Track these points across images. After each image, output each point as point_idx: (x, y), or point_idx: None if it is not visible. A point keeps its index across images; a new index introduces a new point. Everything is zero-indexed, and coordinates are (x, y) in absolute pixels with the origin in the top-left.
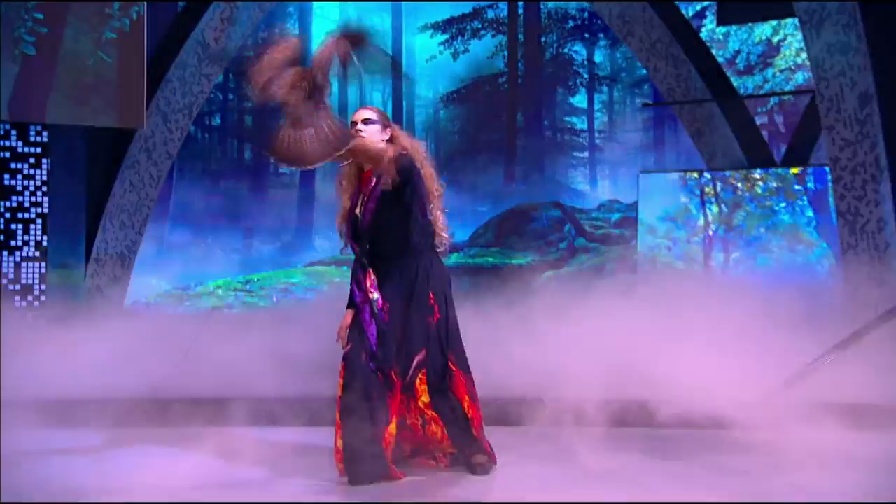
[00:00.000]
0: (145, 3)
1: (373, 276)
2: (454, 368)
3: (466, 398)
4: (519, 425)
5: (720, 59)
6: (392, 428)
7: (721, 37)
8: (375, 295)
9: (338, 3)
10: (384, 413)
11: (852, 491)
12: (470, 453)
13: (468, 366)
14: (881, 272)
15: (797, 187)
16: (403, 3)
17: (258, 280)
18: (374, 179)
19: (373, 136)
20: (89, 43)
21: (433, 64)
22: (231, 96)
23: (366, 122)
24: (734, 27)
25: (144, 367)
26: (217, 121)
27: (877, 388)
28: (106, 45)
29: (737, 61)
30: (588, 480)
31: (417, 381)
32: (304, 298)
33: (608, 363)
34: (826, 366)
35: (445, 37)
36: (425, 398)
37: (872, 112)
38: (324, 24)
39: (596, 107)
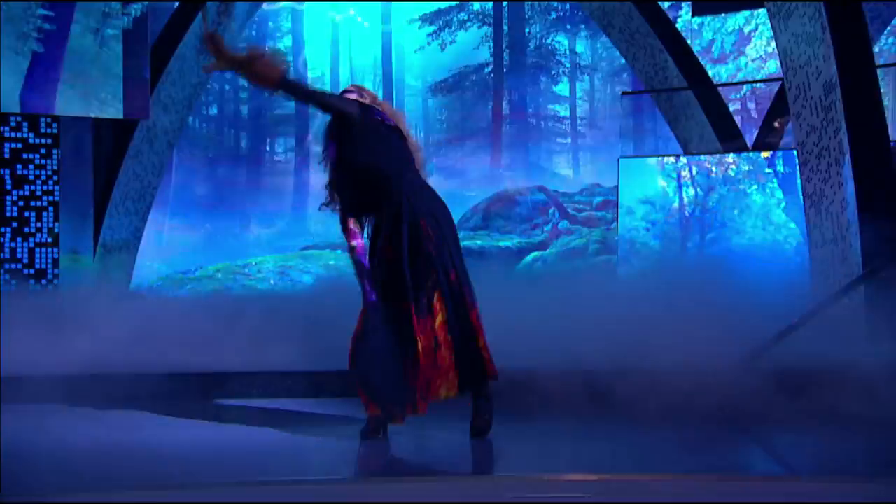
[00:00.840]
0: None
1: (354, 222)
2: (461, 287)
3: (474, 314)
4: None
5: (696, 49)
6: (416, 358)
7: (696, 27)
8: (354, 242)
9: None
10: (402, 344)
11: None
12: (476, 393)
13: (470, 283)
14: (843, 250)
15: (767, 170)
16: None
17: (256, 263)
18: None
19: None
20: (95, 38)
21: (421, 54)
22: (227, 87)
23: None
24: (708, 18)
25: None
26: (214, 111)
27: (837, 356)
28: (109, 40)
29: (711, 50)
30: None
31: (435, 301)
32: (300, 280)
33: (589, 335)
34: (792, 336)
35: (433, 28)
36: (441, 317)
37: (836, 99)
38: (316, 21)
39: (578, 95)
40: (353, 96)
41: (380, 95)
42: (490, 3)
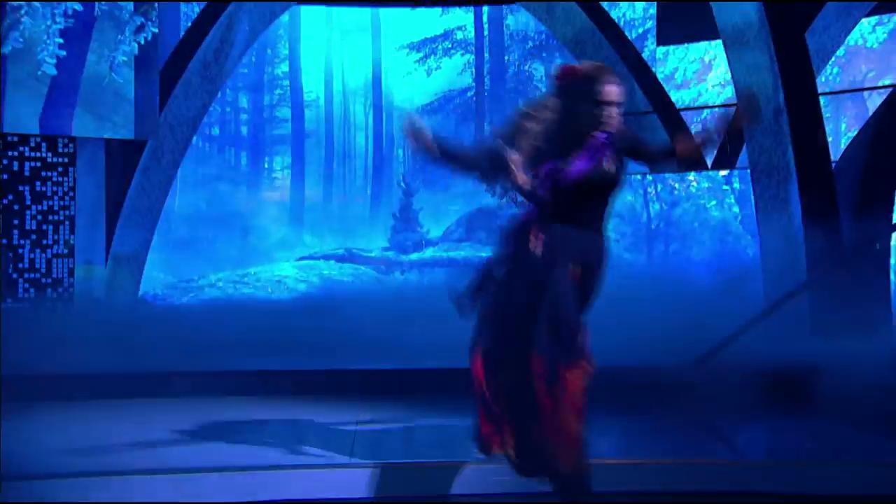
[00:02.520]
0: (155, 30)
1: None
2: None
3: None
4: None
5: (661, 75)
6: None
7: (661, 56)
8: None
9: (324, 24)
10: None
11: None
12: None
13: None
14: (791, 259)
15: (725, 187)
16: (382, 24)
17: (254, 273)
18: (598, 141)
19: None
20: (108, 65)
21: (409, 79)
22: (228, 109)
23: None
24: (672, 47)
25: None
26: (216, 131)
27: (785, 352)
28: (121, 66)
29: (675, 77)
30: None
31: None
32: (296, 289)
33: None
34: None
35: (420, 55)
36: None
37: (784, 124)
38: (312, 48)
39: None
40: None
41: (370, 118)
42: (472, 33)
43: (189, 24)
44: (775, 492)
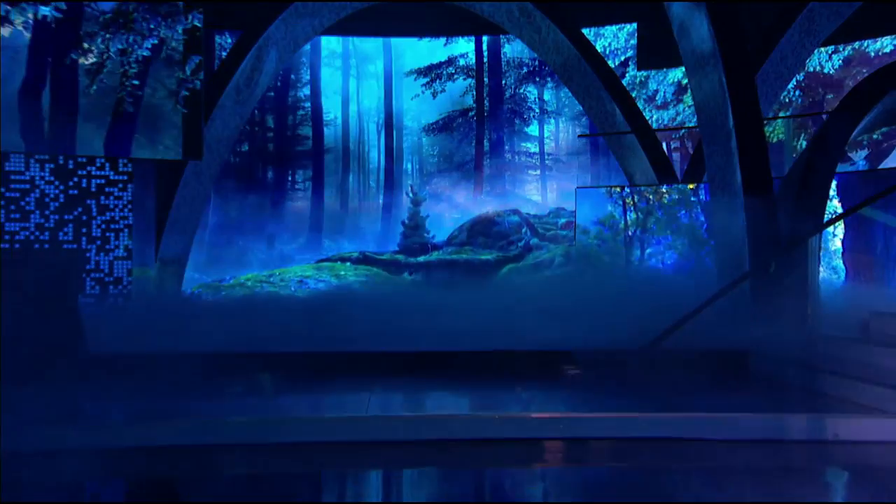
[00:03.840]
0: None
1: None
2: None
3: None
4: (491, 371)
5: (643, 97)
6: None
7: (643, 79)
8: None
9: (341, 53)
10: None
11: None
12: None
13: None
14: (738, 258)
15: (693, 199)
16: (393, 52)
17: (279, 273)
18: None
19: None
20: (165, 97)
21: (417, 101)
22: (257, 129)
23: None
24: (653, 72)
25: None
26: (246, 147)
27: (720, 334)
28: (171, 98)
29: (656, 98)
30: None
31: None
32: (316, 287)
33: (549, 325)
34: (691, 321)
35: (426, 79)
36: None
37: (733, 146)
38: (330, 73)
39: (545, 135)
40: None
41: (382, 136)
42: (473, 60)
43: (223, 54)
44: (706, 438)
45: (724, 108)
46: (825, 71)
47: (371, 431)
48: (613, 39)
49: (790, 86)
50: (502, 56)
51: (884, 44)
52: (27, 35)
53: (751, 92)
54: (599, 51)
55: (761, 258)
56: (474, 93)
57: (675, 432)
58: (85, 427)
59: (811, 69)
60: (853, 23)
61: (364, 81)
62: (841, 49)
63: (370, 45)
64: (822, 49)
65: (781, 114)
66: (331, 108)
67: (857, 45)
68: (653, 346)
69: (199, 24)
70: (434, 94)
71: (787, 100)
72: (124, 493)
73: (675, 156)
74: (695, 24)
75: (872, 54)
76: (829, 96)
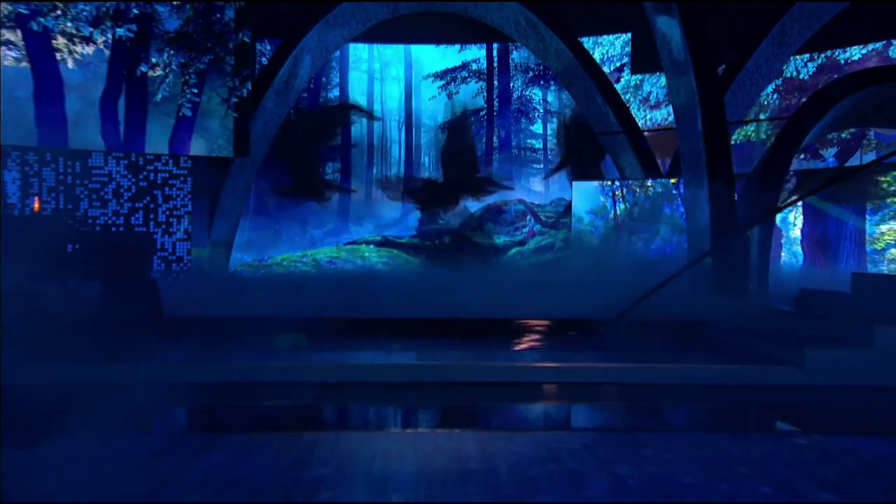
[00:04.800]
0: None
1: None
2: None
3: None
4: (500, 333)
5: (638, 98)
6: None
7: (638, 82)
8: None
9: (367, 58)
10: None
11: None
12: None
13: None
14: (705, 242)
15: (675, 192)
16: (413, 57)
17: (310, 254)
18: None
19: None
20: (218, 103)
21: (434, 101)
22: (292, 126)
23: None
24: (647, 75)
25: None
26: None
27: (688, 304)
28: (225, 102)
29: (650, 99)
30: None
31: None
32: (343, 267)
33: (549, 299)
34: (655, 295)
35: (442, 82)
36: None
37: (702, 147)
38: (357, 76)
39: (548, 133)
40: None
41: (402, 132)
42: (484, 65)
43: (263, 59)
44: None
45: (694, 112)
46: (801, 76)
47: (387, 374)
48: (610, 47)
49: (769, 89)
50: (510, 61)
51: (852, 52)
52: (107, 52)
53: (718, 99)
54: (598, 57)
55: (720, 241)
56: (485, 94)
57: (628, 378)
58: (160, 367)
59: (788, 75)
60: (824, 34)
61: (387, 84)
62: (815, 57)
63: (392, 52)
64: (798, 57)
65: (761, 115)
66: None
67: (829, 53)
68: (621, 317)
69: (247, 40)
70: (449, 96)
71: (766, 102)
72: (188, 416)
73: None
74: (673, 36)
75: (843, 62)
76: (804, 100)
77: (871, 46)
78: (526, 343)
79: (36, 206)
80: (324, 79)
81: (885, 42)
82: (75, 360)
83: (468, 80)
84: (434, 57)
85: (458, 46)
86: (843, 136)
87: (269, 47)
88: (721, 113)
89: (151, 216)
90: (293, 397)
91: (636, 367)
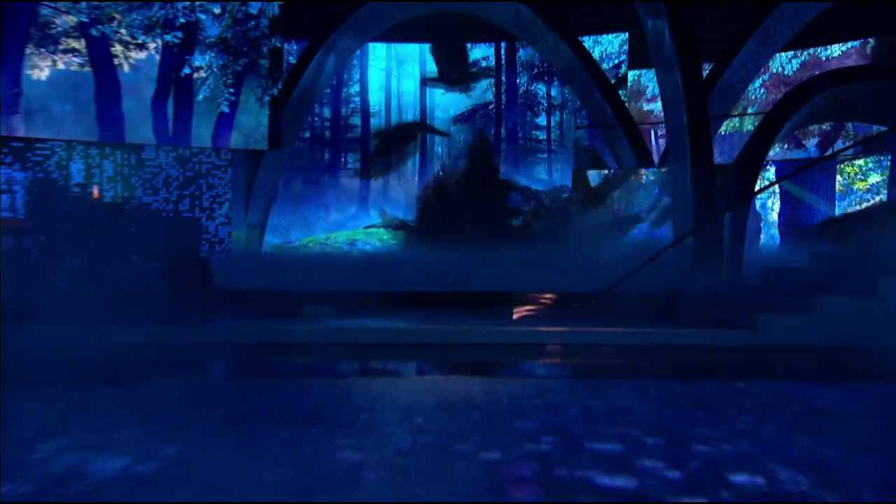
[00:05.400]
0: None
1: None
2: None
3: None
4: (503, 304)
5: (635, 91)
6: None
7: (637, 77)
8: None
9: (384, 56)
10: None
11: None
12: None
13: None
14: (687, 222)
15: (665, 179)
16: (426, 56)
17: (334, 237)
18: None
19: None
20: (254, 102)
21: (447, 96)
22: (317, 119)
23: None
24: (644, 70)
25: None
26: (307, 135)
27: (672, 280)
28: (260, 101)
29: (647, 93)
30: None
31: None
32: (364, 248)
33: (549, 277)
34: (641, 271)
35: None
36: None
37: (686, 138)
38: (376, 73)
39: (552, 125)
40: None
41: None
42: (493, 62)
43: (290, 59)
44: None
45: (680, 107)
46: (786, 73)
47: (405, 337)
48: (609, 45)
49: (756, 84)
50: (517, 59)
51: (832, 50)
52: (157, 58)
53: (701, 96)
54: (597, 55)
55: (700, 223)
56: (494, 89)
57: (609, 340)
58: (215, 330)
59: (775, 70)
60: (806, 34)
61: (403, 80)
62: (799, 54)
63: (408, 50)
64: (783, 54)
65: (749, 109)
66: (376, 102)
67: (811, 50)
68: (609, 290)
69: (279, 45)
70: (460, 91)
71: (753, 97)
72: (244, 367)
73: (662, 142)
74: (665, 37)
75: (824, 58)
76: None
77: (850, 44)
78: (526, 312)
79: (95, 194)
80: (346, 76)
81: (862, 40)
82: (145, 324)
83: (478, 76)
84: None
85: (468, 45)
86: (824, 127)
87: (295, 47)
88: (704, 108)
89: (196, 203)
90: (327, 355)
91: (616, 331)
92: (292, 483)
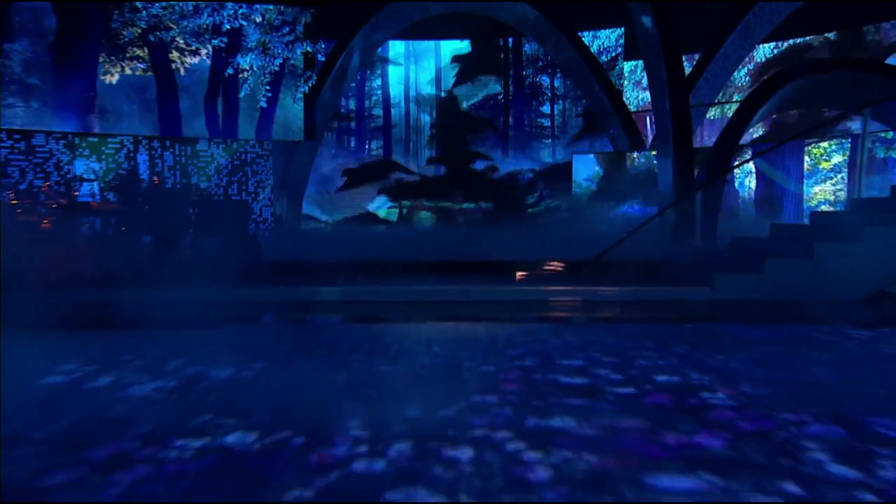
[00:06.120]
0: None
1: None
2: None
3: None
4: (512, 271)
5: (632, 81)
6: None
7: (633, 67)
8: None
9: (402, 53)
10: None
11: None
12: None
13: None
14: (668, 198)
15: (654, 162)
16: (442, 51)
17: (360, 214)
18: None
19: None
20: (289, 98)
21: (459, 88)
22: (343, 110)
23: None
24: (640, 62)
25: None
26: (335, 124)
27: (653, 249)
28: (298, 99)
29: (642, 83)
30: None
31: None
32: (384, 226)
33: (550, 248)
34: (626, 241)
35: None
36: None
37: (668, 123)
38: (395, 69)
39: (555, 113)
40: None
41: (434, 114)
42: (501, 55)
43: (321, 58)
44: (622, 300)
45: (664, 96)
46: (768, 62)
47: (419, 296)
48: (606, 40)
49: (742, 73)
50: (523, 53)
51: (811, 41)
52: (208, 62)
53: (682, 86)
54: (596, 49)
55: (680, 199)
56: (503, 81)
57: (594, 297)
58: (272, 292)
59: (759, 60)
60: (785, 27)
61: (420, 74)
62: (780, 45)
63: (424, 46)
64: (766, 45)
65: (735, 96)
66: (396, 95)
67: (791, 41)
68: (598, 258)
69: (310, 50)
70: (473, 82)
71: (739, 84)
72: (295, 316)
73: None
74: (651, 34)
75: (802, 49)
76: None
77: (824, 35)
78: (529, 275)
79: (156, 180)
80: (368, 71)
81: (835, 32)
82: (213, 286)
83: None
84: (459, 50)
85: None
86: (802, 112)
87: (323, 46)
88: (685, 97)
89: (243, 187)
90: (359, 310)
91: (599, 289)
92: (347, 384)
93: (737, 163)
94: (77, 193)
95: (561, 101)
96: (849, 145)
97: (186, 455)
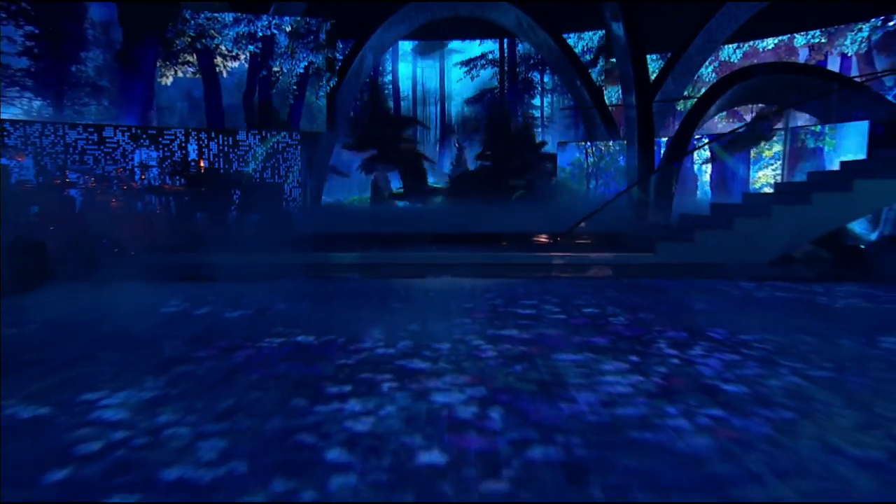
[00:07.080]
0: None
1: None
2: None
3: None
4: (500, 241)
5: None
6: None
7: (611, 66)
8: None
9: (410, 49)
10: None
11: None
12: None
13: None
14: (634, 178)
15: (627, 149)
16: (445, 50)
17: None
18: None
19: None
20: (314, 95)
21: (461, 83)
22: (357, 103)
23: None
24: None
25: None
26: (351, 115)
27: (618, 224)
28: (320, 94)
29: None
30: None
31: None
32: (396, 204)
33: (538, 222)
34: (596, 215)
35: (466, 68)
36: None
37: (634, 116)
38: (405, 66)
39: (544, 106)
40: None
41: (438, 106)
42: (497, 55)
43: (339, 56)
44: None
45: (631, 91)
46: (732, 60)
47: (421, 259)
48: (589, 41)
49: (708, 70)
50: (516, 52)
51: (767, 42)
52: (247, 65)
53: (647, 84)
54: (579, 49)
55: (641, 180)
56: (498, 77)
57: (563, 261)
58: (300, 256)
59: (723, 59)
60: (744, 30)
61: (426, 70)
62: (741, 45)
63: (431, 46)
64: (729, 45)
65: (702, 90)
66: (405, 89)
67: (751, 42)
68: (570, 231)
69: (331, 56)
70: (472, 78)
71: (707, 80)
72: (322, 275)
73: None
74: (620, 37)
75: (761, 49)
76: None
77: (780, 38)
78: (514, 245)
79: (201, 165)
80: (381, 67)
81: (789, 35)
82: (257, 253)
83: (486, 66)
84: (461, 49)
85: (478, 41)
86: (760, 105)
87: (340, 45)
88: (650, 94)
89: (276, 172)
90: (375, 269)
91: (564, 254)
92: (371, 317)
93: (690, 150)
94: (144, 178)
95: (549, 95)
96: (783, 137)
97: (274, 345)
